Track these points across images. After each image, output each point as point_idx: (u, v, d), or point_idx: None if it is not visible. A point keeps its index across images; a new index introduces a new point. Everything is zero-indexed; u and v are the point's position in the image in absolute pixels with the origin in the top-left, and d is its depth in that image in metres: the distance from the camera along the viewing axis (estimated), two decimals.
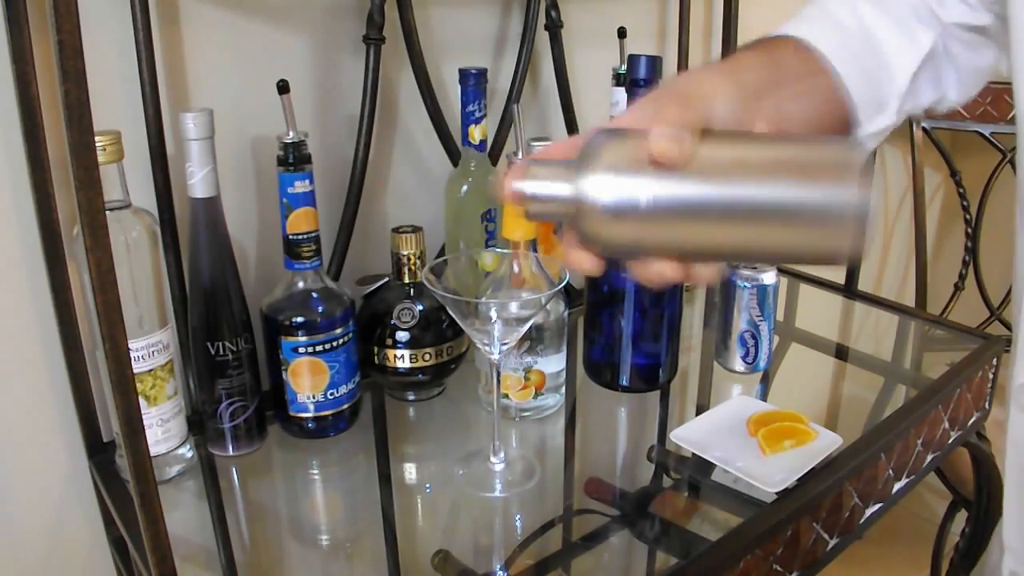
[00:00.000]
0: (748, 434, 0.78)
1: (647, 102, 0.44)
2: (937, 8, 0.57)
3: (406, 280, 0.83)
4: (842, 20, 0.54)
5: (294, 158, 0.72)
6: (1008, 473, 0.54)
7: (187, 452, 0.75)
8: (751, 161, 0.40)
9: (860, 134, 0.53)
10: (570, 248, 0.43)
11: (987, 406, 1.00)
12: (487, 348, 0.71)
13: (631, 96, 0.77)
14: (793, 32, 0.52)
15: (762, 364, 0.93)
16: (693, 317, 1.11)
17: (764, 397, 0.90)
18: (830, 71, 0.51)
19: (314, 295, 0.77)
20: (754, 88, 0.46)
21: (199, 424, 0.78)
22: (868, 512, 0.81)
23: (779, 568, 0.71)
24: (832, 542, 0.76)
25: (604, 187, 0.40)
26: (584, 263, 0.43)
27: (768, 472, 0.72)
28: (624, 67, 0.92)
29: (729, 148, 0.41)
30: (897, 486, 0.85)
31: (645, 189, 0.40)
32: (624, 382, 0.89)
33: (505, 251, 0.77)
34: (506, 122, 0.98)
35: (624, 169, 0.40)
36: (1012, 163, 1.49)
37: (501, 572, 0.65)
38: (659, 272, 0.43)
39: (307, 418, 0.78)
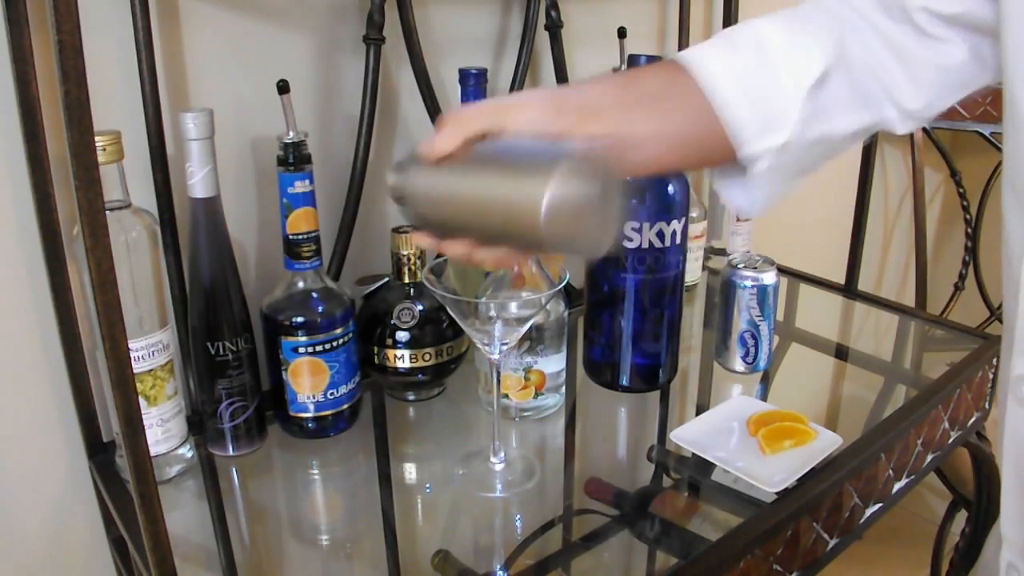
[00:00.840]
0: (748, 434, 0.78)
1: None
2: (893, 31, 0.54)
3: (406, 280, 0.83)
4: (736, 41, 0.54)
5: (294, 158, 0.72)
6: (1005, 466, 0.54)
7: (187, 452, 0.75)
8: (492, 159, 0.48)
9: (746, 151, 0.53)
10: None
11: (987, 406, 1.00)
12: (487, 348, 0.71)
13: None
14: (678, 56, 0.54)
15: (762, 364, 0.93)
16: (693, 317, 1.11)
17: (764, 397, 0.90)
18: (703, 92, 0.52)
19: (314, 295, 0.77)
20: (587, 106, 0.51)
21: (199, 424, 0.78)
22: (868, 512, 0.81)
23: (779, 568, 0.71)
24: (832, 542, 0.76)
25: (393, 175, 0.52)
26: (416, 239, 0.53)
27: (768, 472, 0.72)
28: (624, 67, 0.92)
29: (486, 149, 0.48)
30: (897, 486, 0.85)
31: (412, 177, 0.51)
32: (624, 382, 0.89)
33: None
34: None
35: (410, 162, 0.51)
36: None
37: (501, 572, 0.65)
38: (452, 251, 0.51)
39: (307, 418, 0.78)
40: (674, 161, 0.56)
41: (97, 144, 0.58)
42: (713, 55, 0.53)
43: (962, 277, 1.72)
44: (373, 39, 0.83)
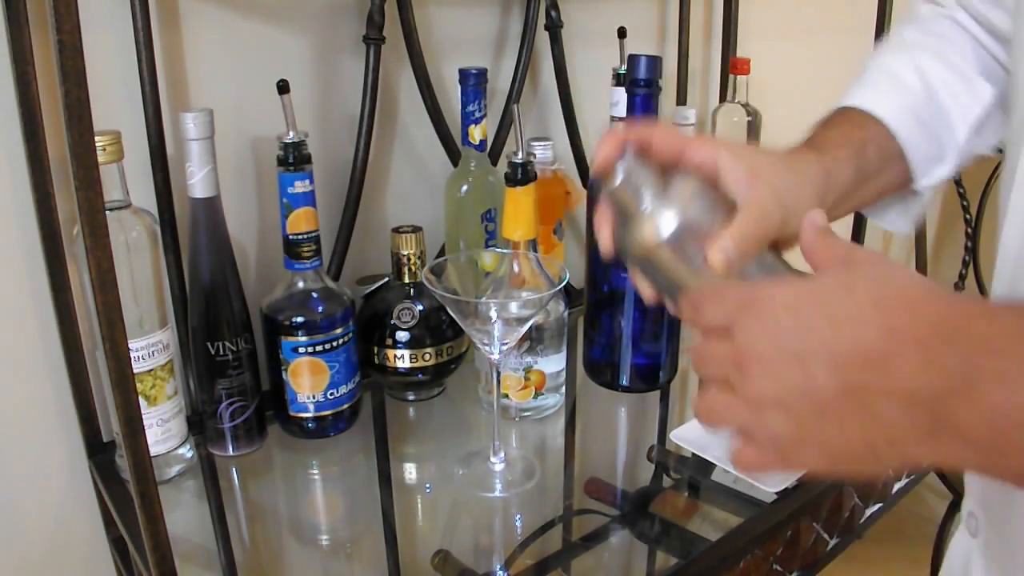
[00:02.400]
0: None
1: (747, 166, 0.45)
2: (1001, 55, 0.58)
3: (406, 280, 0.83)
4: (904, 79, 0.57)
5: (294, 158, 0.72)
6: None
7: (187, 452, 0.75)
8: None
9: (917, 186, 0.57)
10: (603, 221, 0.47)
11: None
12: (487, 348, 0.71)
13: (631, 96, 0.77)
14: (857, 102, 0.56)
15: None
16: None
17: None
18: (894, 136, 0.55)
19: (314, 295, 0.77)
20: (836, 197, 0.51)
21: (199, 424, 0.78)
22: (868, 512, 0.81)
23: (779, 568, 0.71)
24: (832, 542, 0.76)
25: (665, 227, 0.43)
26: (604, 240, 0.47)
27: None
28: (624, 67, 0.92)
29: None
30: (897, 486, 0.85)
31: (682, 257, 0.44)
32: (624, 382, 0.89)
33: (505, 251, 0.77)
34: (506, 122, 0.98)
35: (682, 234, 0.43)
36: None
37: (501, 572, 0.65)
38: (640, 286, 0.48)
39: (307, 418, 0.78)
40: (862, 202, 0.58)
41: (97, 144, 0.57)
42: (886, 94, 0.57)
43: (962, 277, 1.72)
44: (373, 39, 0.83)
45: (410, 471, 0.80)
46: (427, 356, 0.83)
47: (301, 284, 0.77)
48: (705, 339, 0.39)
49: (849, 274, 0.37)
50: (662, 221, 0.43)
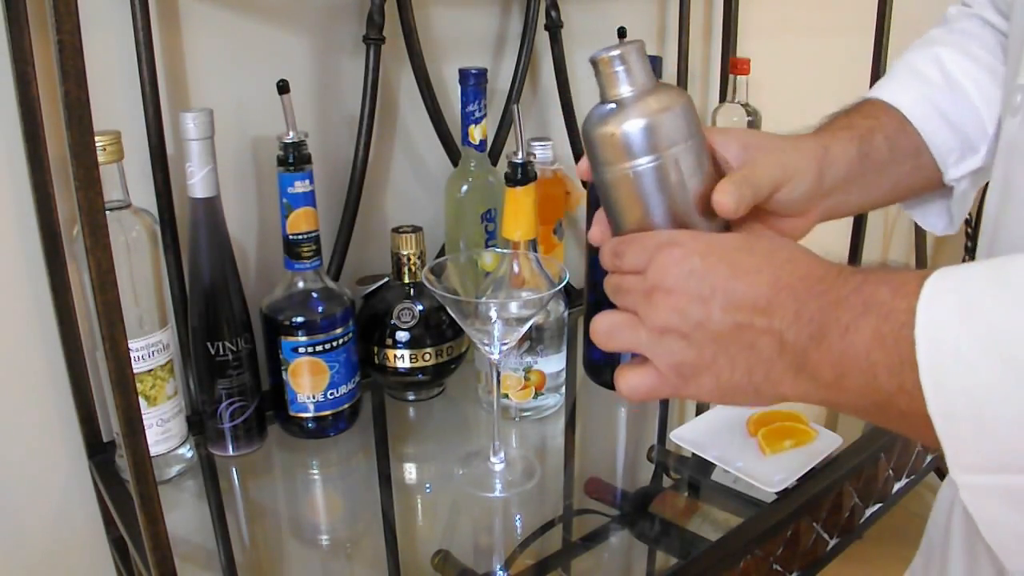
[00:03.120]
0: (748, 434, 0.78)
1: (739, 140, 0.48)
2: None
3: (406, 280, 0.83)
4: (923, 72, 0.58)
5: (294, 158, 0.72)
6: None
7: (187, 452, 0.75)
8: None
9: (947, 178, 0.57)
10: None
11: None
12: (487, 348, 0.71)
13: None
14: (875, 95, 0.57)
15: None
16: None
17: None
18: (914, 127, 0.55)
19: (314, 295, 0.77)
20: (836, 175, 0.51)
21: (199, 424, 0.78)
22: (868, 512, 0.81)
23: (779, 568, 0.71)
24: (832, 542, 0.76)
25: (631, 126, 0.42)
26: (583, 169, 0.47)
27: (768, 472, 0.72)
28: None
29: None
30: (897, 486, 0.85)
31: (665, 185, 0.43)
32: None
33: (505, 251, 0.77)
34: (506, 122, 0.98)
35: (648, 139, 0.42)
36: None
37: (501, 572, 0.65)
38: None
39: (307, 418, 0.78)
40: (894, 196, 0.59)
41: (97, 144, 0.58)
42: (906, 88, 0.57)
43: None
44: (373, 39, 0.83)
45: (410, 471, 0.80)
46: (427, 356, 0.83)
47: (301, 284, 0.77)
48: (622, 276, 0.43)
49: (753, 236, 0.43)
50: (630, 114, 0.41)
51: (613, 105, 0.42)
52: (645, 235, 0.43)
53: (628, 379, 0.43)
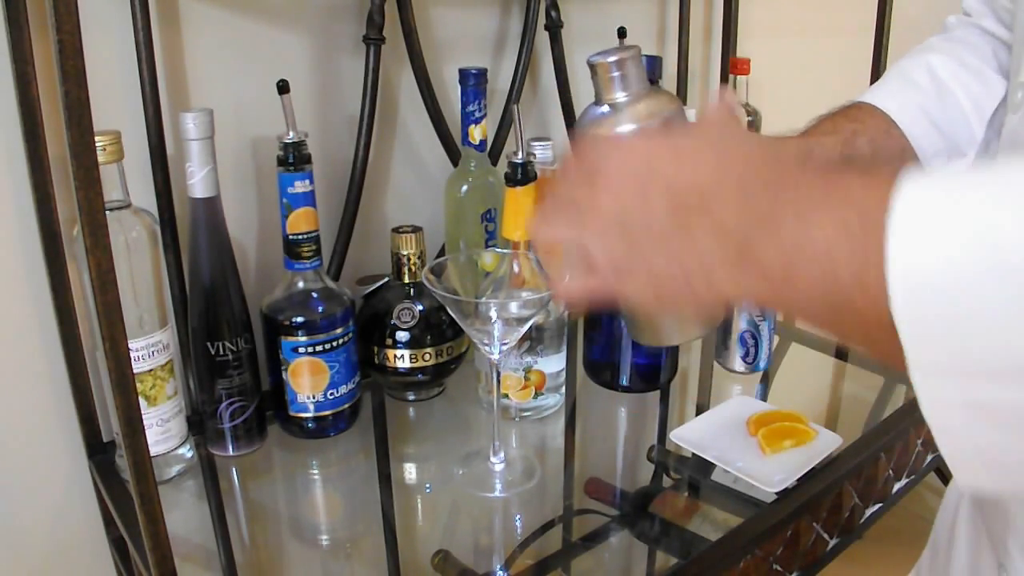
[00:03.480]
0: (748, 434, 0.78)
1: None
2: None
3: (406, 280, 0.83)
4: (913, 77, 0.59)
5: (294, 158, 0.72)
6: None
7: (187, 452, 0.75)
8: None
9: None
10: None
11: None
12: (487, 348, 0.71)
13: None
14: (864, 99, 0.58)
15: (762, 364, 0.93)
16: None
17: (764, 397, 0.90)
18: (900, 128, 0.56)
19: (314, 295, 0.77)
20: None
21: (199, 424, 0.78)
22: (868, 512, 0.81)
23: (779, 568, 0.71)
24: (832, 542, 0.76)
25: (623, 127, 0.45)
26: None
27: (768, 472, 0.72)
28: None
29: None
30: (897, 486, 0.85)
31: None
32: (624, 382, 0.89)
33: (505, 251, 0.77)
34: (506, 122, 0.98)
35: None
36: None
37: (501, 572, 0.65)
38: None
39: (307, 418, 0.78)
40: None
41: (97, 144, 0.57)
42: (893, 92, 0.58)
43: None
44: (373, 39, 0.83)
45: (410, 471, 0.80)
46: (427, 356, 0.83)
47: (301, 284, 0.77)
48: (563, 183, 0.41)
49: (703, 125, 0.42)
50: (622, 119, 0.44)
51: (607, 108, 0.44)
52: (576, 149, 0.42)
53: (564, 284, 0.42)
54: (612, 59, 0.44)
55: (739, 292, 0.35)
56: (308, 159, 0.73)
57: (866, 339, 0.32)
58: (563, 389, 0.87)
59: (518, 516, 0.73)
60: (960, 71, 0.58)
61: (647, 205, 0.37)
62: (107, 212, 0.46)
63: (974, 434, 0.29)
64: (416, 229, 0.82)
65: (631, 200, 0.37)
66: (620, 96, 0.44)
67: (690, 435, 0.78)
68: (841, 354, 1.06)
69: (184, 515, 0.71)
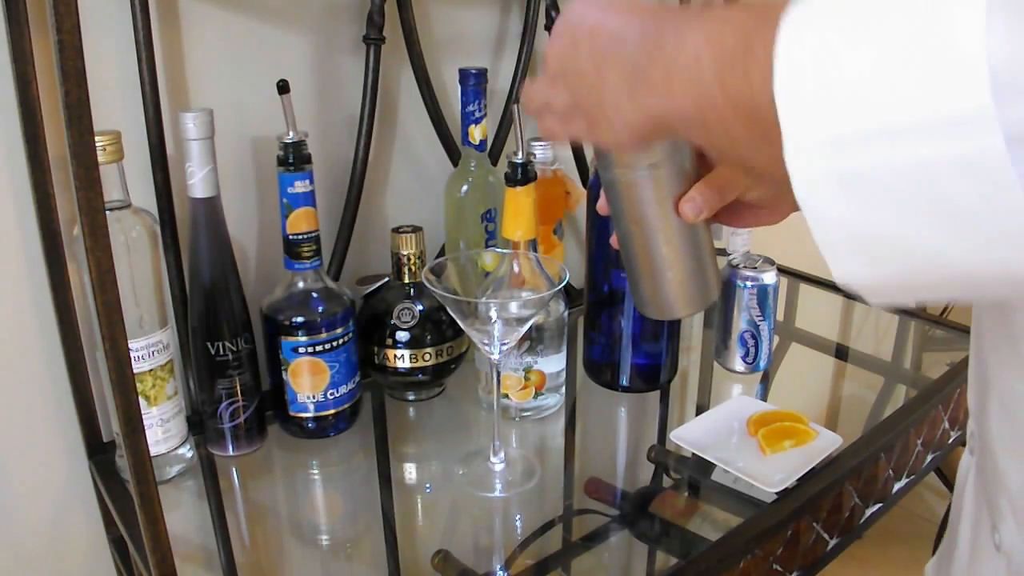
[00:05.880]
0: (748, 434, 0.78)
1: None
2: None
3: (406, 280, 0.83)
4: None
5: (294, 158, 0.72)
6: (972, 339, 0.56)
7: (187, 452, 0.75)
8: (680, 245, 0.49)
9: None
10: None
11: None
12: (487, 348, 0.71)
13: None
14: None
15: (762, 364, 0.93)
16: (693, 317, 1.11)
17: (764, 397, 0.90)
18: None
19: (314, 295, 0.77)
20: None
21: (199, 424, 0.78)
22: (868, 512, 0.81)
23: (779, 568, 0.71)
24: (832, 542, 0.76)
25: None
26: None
27: (768, 472, 0.72)
28: None
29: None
30: (897, 486, 0.85)
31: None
32: (624, 382, 0.89)
33: (505, 251, 0.77)
34: (506, 122, 0.98)
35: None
36: None
37: (501, 572, 0.65)
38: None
39: (307, 418, 0.78)
40: None
41: (97, 144, 0.58)
42: None
43: None
44: (373, 39, 0.83)
45: (410, 471, 0.80)
46: (427, 356, 0.83)
47: (301, 284, 0.77)
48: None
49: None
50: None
51: None
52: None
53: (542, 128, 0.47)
54: None
55: (642, 115, 0.39)
56: (308, 159, 0.73)
57: (736, 142, 0.34)
58: (563, 389, 0.87)
59: (518, 516, 0.73)
60: None
61: (576, 51, 0.42)
62: (107, 212, 0.46)
63: (843, 210, 0.29)
64: (416, 229, 0.82)
65: (565, 50, 0.42)
66: None
67: (690, 435, 0.78)
68: (841, 354, 1.06)
69: (184, 515, 0.71)
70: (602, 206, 0.51)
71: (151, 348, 0.69)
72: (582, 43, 0.41)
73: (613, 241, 0.52)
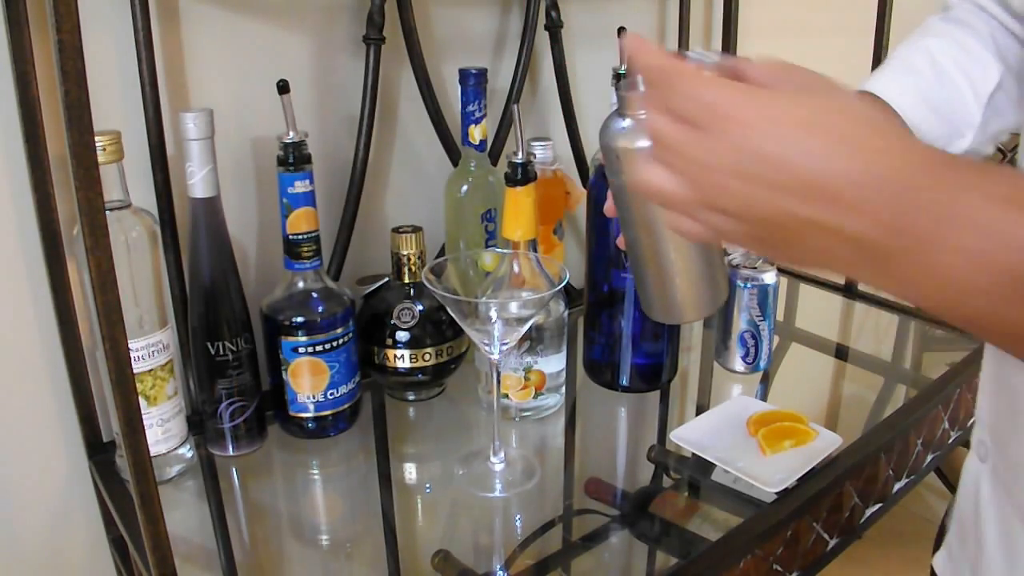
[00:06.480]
0: (748, 434, 0.78)
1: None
2: (1020, 32, 0.59)
3: (406, 280, 0.83)
4: (912, 62, 0.60)
5: (294, 158, 0.72)
6: (986, 350, 0.56)
7: (187, 452, 0.75)
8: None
9: None
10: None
11: None
12: (487, 348, 0.71)
13: None
14: (867, 86, 0.59)
15: (762, 364, 0.93)
16: None
17: (764, 397, 0.90)
18: (899, 115, 0.57)
19: (314, 295, 0.77)
20: None
21: (199, 424, 0.78)
22: (868, 512, 0.81)
23: (779, 568, 0.71)
24: (832, 542, 0.76)
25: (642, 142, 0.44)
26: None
27: (768, 472, 0.72)
28: (624, 67, 0.92)
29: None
30: (897, 486, 0.85)
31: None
32: (624, 382, 0.89)
33: (505, 251, 0.77)
34: (506, 122, 0.98)
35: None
36: (1012, 163, 1.49)
37: (501, 572, 0.65)
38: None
39: (307, 418, 0.78)
40: None
41: (97, 144, 0.58)
42: (894, 78, 0.59)
43: None
44: (373, 39, 0.83)
45: (410, 471, 0.80)
46: (427, 356, 0.83)
47: (301, 284, 0.77)
48: (669, 118, 0.38)
49: (815, 98, 0.36)
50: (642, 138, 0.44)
51: (631, 122, 0.45)
52: (696, 80, 0.37)
53: (651, 179, 0.39)
54: (640, 76, 0.45)
55: (870, 284, 0.35)
56: (308, 159, 0.73)
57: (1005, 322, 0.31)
58: (563, 389, 0.87)
59: (518, 516, 0.73)
60: (959, 54, 0.59)
61: (755, 198, 0.34)
62: (107, 212, 0.46)
63: None
64: (416, 229, 0.82)
65: (748, 197, 0.35)
66: (643, 114, 0.44)
67: (690, 435, 0.78)
68: (841, 354, 1.06)
69: (184, 515, 0.71)
70: (609, 208, 0.50)
71: (151, 348, 0.69)
72: (770, 190, 0.33)
73: (620, 242, 0.52)
